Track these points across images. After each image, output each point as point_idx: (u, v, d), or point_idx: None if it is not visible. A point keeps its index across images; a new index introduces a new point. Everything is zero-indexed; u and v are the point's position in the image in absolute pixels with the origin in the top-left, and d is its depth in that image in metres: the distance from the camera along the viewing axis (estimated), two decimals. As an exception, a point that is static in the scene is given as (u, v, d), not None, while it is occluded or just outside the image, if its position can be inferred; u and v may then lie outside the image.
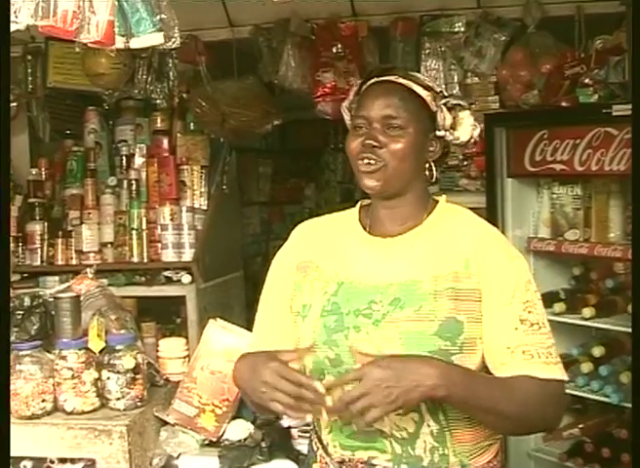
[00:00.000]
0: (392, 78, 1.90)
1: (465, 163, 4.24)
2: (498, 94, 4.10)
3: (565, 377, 1.85)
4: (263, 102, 4.45)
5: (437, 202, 1.98)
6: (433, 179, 1.94)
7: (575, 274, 3.99)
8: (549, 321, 1.89)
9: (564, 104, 3.71)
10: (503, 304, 1.83)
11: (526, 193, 3.96)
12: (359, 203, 2.06)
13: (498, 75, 4.05)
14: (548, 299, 3.56)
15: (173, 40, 2.15)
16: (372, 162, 1.86)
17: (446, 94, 1.96)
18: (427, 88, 1.91)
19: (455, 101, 1.95)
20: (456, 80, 4.14)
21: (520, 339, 1.81)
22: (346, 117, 2.01)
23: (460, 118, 1.95)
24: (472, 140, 1.98)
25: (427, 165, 1.93)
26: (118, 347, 2.50)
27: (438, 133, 1.92)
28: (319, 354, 1.87)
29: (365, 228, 1.97)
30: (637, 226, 1.84)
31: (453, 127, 1.94)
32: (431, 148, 1.93)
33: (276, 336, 1.99)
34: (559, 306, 3.67)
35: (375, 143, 1.86)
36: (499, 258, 1.86)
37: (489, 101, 4.12)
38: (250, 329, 2.18)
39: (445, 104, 1.93)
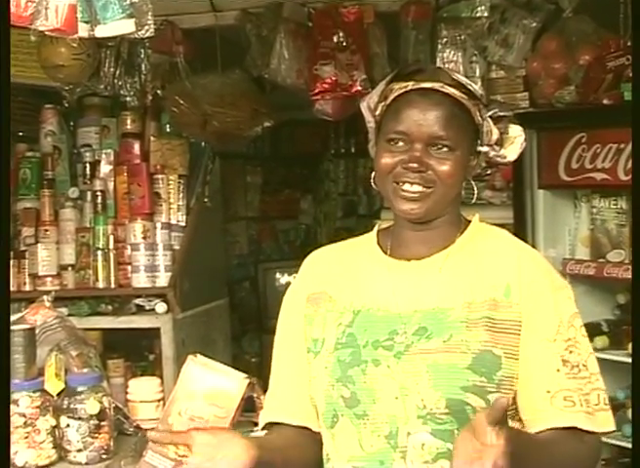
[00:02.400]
0: (437, 86, 1.88)
1: (489, 172, 4.24)
2: (527, 90, 4.11)
3: (613, 427, 1.87)
4: (252, 101, 4.46)
5: (469, 221, 2.00)
6: (474, 200, 1.97)
7: (619, 302, 3.98)
8: (590, 358, 1.90)
9: (606, 102, 3.72)
10: (546, 341, 1.85)
11: (561, 207, 3.97)
12: (376, 226, 2.07)
13: (527, 68, 4.07)
14: (588, 332, 3.54)
15: (146, 28, 2.16)
16: (416, 188, 1.87)
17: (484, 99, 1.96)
18: (472, 95, 1.91)
19: (502, 113, 1.96)
20: (478, 74, 4.15)
21: (562, 383, 1.83)
22: (369, 118, 2.00)
23: (510, 136, 1.98)
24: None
25: (464, 183, 1.95)
26: (80, 389, 2.49)
27: (481, 148, 1.95)
28: (332, 393, 1.88)
29: (385, 251, 1.98)
30: (637, 228, 1.89)
31: (498, 143, 1.96)
32: (471, 164, 1.95)
33: (296, 382, 2.01)
34: (601, 340, 3.66)
35: (421, 168, 1.86)
36: (543, 287, 1.88)
37: (517, 99, 4.13)
38: (236, 366, 2.18)
39: (491, 116, 1.94)
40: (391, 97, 1.92)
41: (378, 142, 1.95)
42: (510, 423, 1.86)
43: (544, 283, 1.89)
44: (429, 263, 1.92)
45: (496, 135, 1.95)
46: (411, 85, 1.90)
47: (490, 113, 1.94)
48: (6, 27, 1.93)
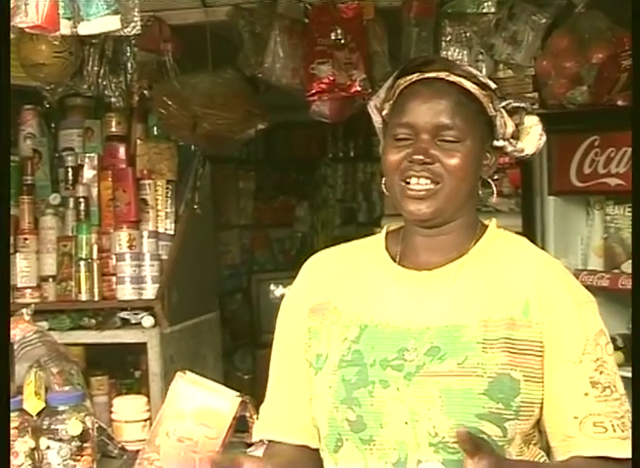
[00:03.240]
0: (442, 75, 1.89)
1: (496, 177, 4.25)
2: (537, 90, 4.12)
3: None
4: (245, 101, 4.46)
5: (486, 227, 2.00)
6: (494, 199, 1.97)
7: (635, 316, 3.99)
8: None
9: (620, 103, 3.73)
10: (571, 362, 1.83)
11: (572, 214, 3.98)
12: (385, 228, 2.06)
13: (537, 67, 4.07)
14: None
15: (132, 25, 2.17)
16: (423, 182, 1.85)
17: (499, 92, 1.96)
18: (484, 86, 1.91)
19: (517, 104, 1.95)
20: (484, 73, 4.16)
21: (591, 407, 1.82)
22: (376, 119, 2.01)
23: (526, 126, 1.96)
24: (537, 152, 2.00)
25: (480, 182, 1.95)
26: (61, 408, 2.49)
27: (496, 143, 1.94)
28: (336, 416, 1.87)
29: (394, 259, 1.97)
30: (637, 232, 1.91)
31: (515, 136, 1.95)
32: (485, 161, 1.94)
33: (295, 398, 2.00)
34: (616, 357, 3.66)
35: (426, 159, 1.85)
36: (567, 303, 1.87)
37: (526, 99, 4.14)
38: (228, 383, 2.18)
39: (505, 107, 1.93)
40: (397, 93, 1.93)
41: (385, 142, 1.95)
42: (531, 448, 1.88)
43: (567, 298, 1.88)
44: (442, 274, 1.91)
45: (511, 127, 1.94)
46: (415, 76, 1.91)
47: (503, 104, 1.93)
48: (6, 27, 1.94)
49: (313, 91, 4.19)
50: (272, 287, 7.18)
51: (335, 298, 1.97)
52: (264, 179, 7.72)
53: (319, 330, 1.96)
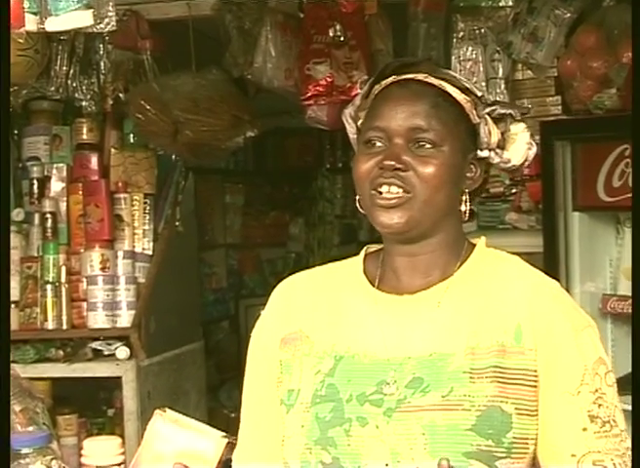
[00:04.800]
0: (420, 77, 1.91)
1: (514, 190, 4.26)
2: (560, 93, 4.13)
3: None
4: (232, 106, 4.47)
5: (474, 246, 1.99)
6: (466, 217, 1.95)
7: (670, 346, 3.99)
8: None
9: (653, 108, 3.75)
10: (568, 394, 1.83)
11: (600, 232, 3.98)
12: (364, 249, 2.06)
13: (560, 67, 4.08)
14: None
15: (106, 20, 2.18)
16: (394, 190, 1.86)
17: (489, 99, 1.98)
18: (466, 91, 1.93)
19: (503, 110, 1.96)
20: (500, 74, 4.17)
21: (590, 444, 1.81)
22: (350, 129, 2.04)
23: (511, 133, 1.97)
24: (526, 164, 2.00)
25: (463, 197, 1.94)
26: (24, 451, 2.49)
27: (480, 153, 1.94)
28: (309, 458, 1.86)
29: (372, 282, 1.98)
30: (637, 237, 1.86)
31: (500, 145, 1.95)
32: (469, 174, 1.95)
33: (269, 438, 2.01)
34: None
35: (398, 165, 1.85)
36: (563, 328, 1.87)
37: (547, 104, 4.15)
38: (213, 422, 2.18)
39: (490, 114, 1.94)
40: (371, 99, 1.97)
41: (357, 150, 1.96)
42: None
43: (564, 322, 1.87)
44: (425, 298, 1.91)
45: (496, 136, 1.95)
46: (391, 79, 1.94)
47: (487, 110, 1.94)
48: (6, 27, 1.95)
49: (309, 94, 4.20)
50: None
51: (307, 327, 1.97)
52: (254, 193, 7.73)
53: (291, 362, 1.97)
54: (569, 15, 4.03)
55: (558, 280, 2.06)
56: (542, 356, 1.84)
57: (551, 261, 3.82)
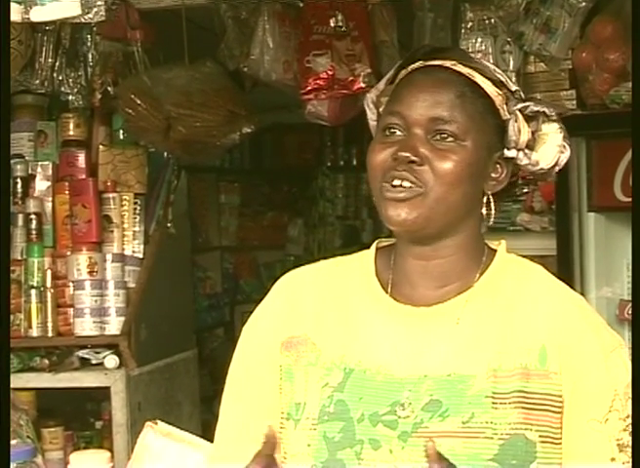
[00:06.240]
0: (448, 64, 1.89)
1: (526, 190, 4.25)
2: (574, 87, 4.13)
3: None
4: (227, 100, 4.48)
5: (494, 252, 1.96)
6: (491, 221, 1.92)
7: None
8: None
9: (673, 103, 3.75)
10: (596, 421, 1.82)
11: (616, 234, 3.98)
12: (374, 244, 2.04)
13: (574, 60, 4.09)
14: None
15: (95, 10, 2.18)
16: (406, 185, 1.82)
17: (522, 94, 1.94)
18: (498, 84, 1.90)
19: (537, 107, 1.93)
20: (511, 67, 4.17)
21: None
22: (371, 115, 2.02)
23: (542, 133, 1.95)
24: (556, 169, 1.98)
25: (485, 198, 1.91)
26: (8, 465, 2.49)
27: (507, 152, 1.91)
28: None
29: (385, 287, 1.94)
30: (637, 236, 2.00)
31: (530, 146, 1.93)
32: (494, 174, 1.91)
33: (250, 443, 1.89)
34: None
35: (413, 157, 1.82)
36: (591, 350, 1.85)
37: (561, 98, 4.15)
38: (207, 435, 2.18)
39: (522, 111, 1.92)
40: (396, 84, 1.94)
41: (374, 138, 1.94)
42: None
43: (592, 343, 1.85)
44: (443, 312, 1.88)
45: (526, 135, 1.92)
46: (418, 65, 1.92)
47: (519, 106, 1.91)
48: (6, 27, 1.96)
49: (309, 88, 4.21)
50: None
51: (313, 332, 1.93)
52: (251, 193, 7.75)
53: (293, 369, 1.93)
54: (584, 4, 4.03)
55: (572, 284, 2.05)
56: (568, 380, 1.82)
57: (565, 265, 3.82)
